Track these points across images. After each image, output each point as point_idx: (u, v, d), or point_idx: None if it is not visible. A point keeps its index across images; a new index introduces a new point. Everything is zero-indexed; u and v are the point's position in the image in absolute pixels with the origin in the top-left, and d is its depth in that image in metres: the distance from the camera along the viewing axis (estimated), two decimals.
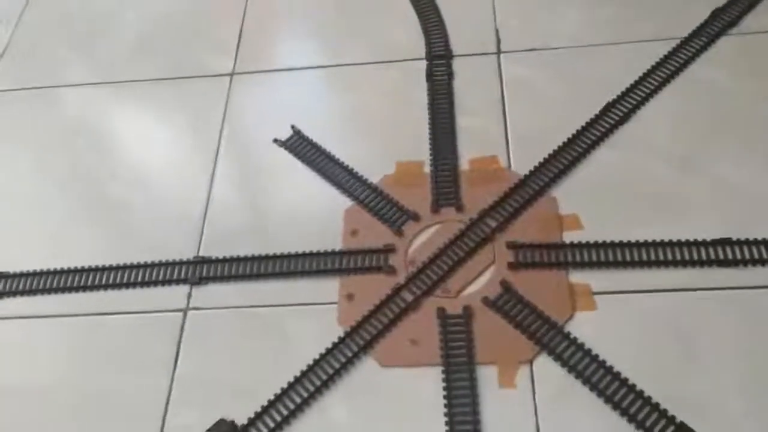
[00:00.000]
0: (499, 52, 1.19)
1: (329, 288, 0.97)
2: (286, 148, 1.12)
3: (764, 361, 0.84)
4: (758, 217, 0.94)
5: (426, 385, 0.87)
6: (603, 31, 1.18)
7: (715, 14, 1.16)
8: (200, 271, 1.00)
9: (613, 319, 0.89)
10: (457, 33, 1.23)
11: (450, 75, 1.18)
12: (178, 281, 1.00)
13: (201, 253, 1.02)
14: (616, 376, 0.84)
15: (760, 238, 0.92)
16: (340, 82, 1.21)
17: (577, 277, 0.93)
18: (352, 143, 1.12)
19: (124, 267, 1.02)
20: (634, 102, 1.08)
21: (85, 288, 1.01)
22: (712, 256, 0.92)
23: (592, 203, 0.99)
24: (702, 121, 1.05)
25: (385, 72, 1.20)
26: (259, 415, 0.87)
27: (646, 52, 1.13)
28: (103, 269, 1.02)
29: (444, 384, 0.86)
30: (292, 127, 1.14)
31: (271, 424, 0.86)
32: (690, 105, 1.07)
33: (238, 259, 1.00)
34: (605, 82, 1.11)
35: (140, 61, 1.28)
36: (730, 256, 0.91)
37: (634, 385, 0.83)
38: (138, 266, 1.02)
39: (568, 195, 1.01)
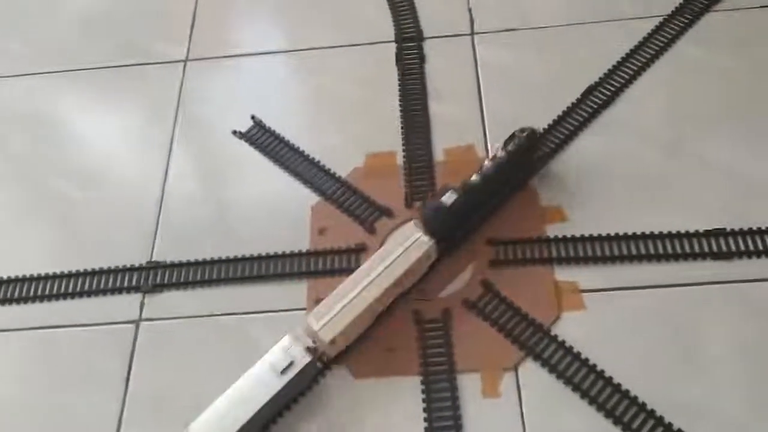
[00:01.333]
0: (473, 32, 1.11)
1: (296, 292, 0.89)
2: (246, 140, 1.04)
3: (766, 359, 0.78)
4: (753, 205, 0.88)
5: (403, 397, 0.80)
6: (584, 9, 1.10)
7: None
8: (153, 277, 0.92)
9: (603, 318, 0.83)
10: (428, 13, 1.15)
11: (421, 58, 1.10)
12: (129, 289, 0.91)
13: (154, 258, 0.94)
14: (608, 381, 0.78)
15: (755, 227, 0.86)
16: (303, 67, 1.12)
17: (563, 274, 0.86)
18: (318, 134, 1.04)
19: (69, 275, 0.93)
20: (618, 84, 1.01)
21: (26, 300, 0.92)
22: (706, 248, 0.86)
23: (577, 194, 0.93)
24: (690, 102, 0.99)
25: (351, 56, 1.12)
26: None
27: (630, 30, 1.06)
28: (46, 278, 0.93)
29: (423, 395, 0.79)
30: (253, 117, 1.06)
31: None
32: (676, 85, 1.01)
33: (195, 264, 0.92)
34: (587, 63, 1.04)
35: (85, 48, 1.18)
36: (724, 248, 0.86)
37: (627, 391, 0.77)
38: (85, 274, 0.93)
39: (551, 185, 0.94)
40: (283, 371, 0.74)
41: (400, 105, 1.05)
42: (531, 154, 0.89)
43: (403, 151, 1.00)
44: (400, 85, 1.07)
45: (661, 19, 1.08)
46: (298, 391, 0.78)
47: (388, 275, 0.80)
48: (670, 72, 1.03)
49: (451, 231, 0.84)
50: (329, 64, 1.11)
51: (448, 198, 0.82)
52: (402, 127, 1.02)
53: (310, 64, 1.12)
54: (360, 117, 1.05)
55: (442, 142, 1.00)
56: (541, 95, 1.03)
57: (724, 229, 0.87)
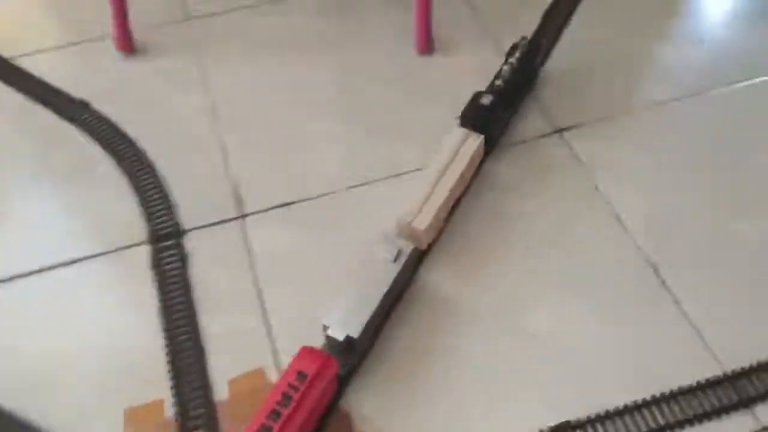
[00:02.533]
0: (242, 215, 0.93)
1: None
2: None
3: None
4: (595, 387, 0.76)
5: None
6: (366, 167, 0.96)
7: None
8: None
9: None
10: (186, 200, 0.95)
11: (183, 259, 0.89)
12: None
13: None
14: None
15: (603, 411, 0.73)
16: (29, 297, 0.87)
17: None
18: (57, 394, 0.78)
19: None
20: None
21: None
22: None
23: (393, 406, 0.75)
24: (495, 266, 0.87)
25: (94, 271, 0.88)
26: None
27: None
28: None
29: None
30: None
31: None
32: (479, 239, 0.89)
33: None
34: (378, 225, 0.88)
35: None
36: None
37: None
38: None
39: (361, 401, 0.76)
40: (395, 260, 0.81)
41: (163, 328, 0.83)
42: (533, 58, 1.03)
43: (174, 396, 0.77)
44: (160, 300, 0.85)
45: None
46: (406, 279, 0.83)
47: (453, 171, 0.90)
48: (469, 222, 0.90)
49: (494, 126, 0.96)
50: (64, 288, 0.87)
51: (487, 99, 0.95)
52: (169, 362, 0.80)
53: (36, 294, 0.87)
54: (110, 358, 0.81)
55: (224, 372, 0.79)
56: (331, 279, 0.85)
57: (569, 421, 0.73)
